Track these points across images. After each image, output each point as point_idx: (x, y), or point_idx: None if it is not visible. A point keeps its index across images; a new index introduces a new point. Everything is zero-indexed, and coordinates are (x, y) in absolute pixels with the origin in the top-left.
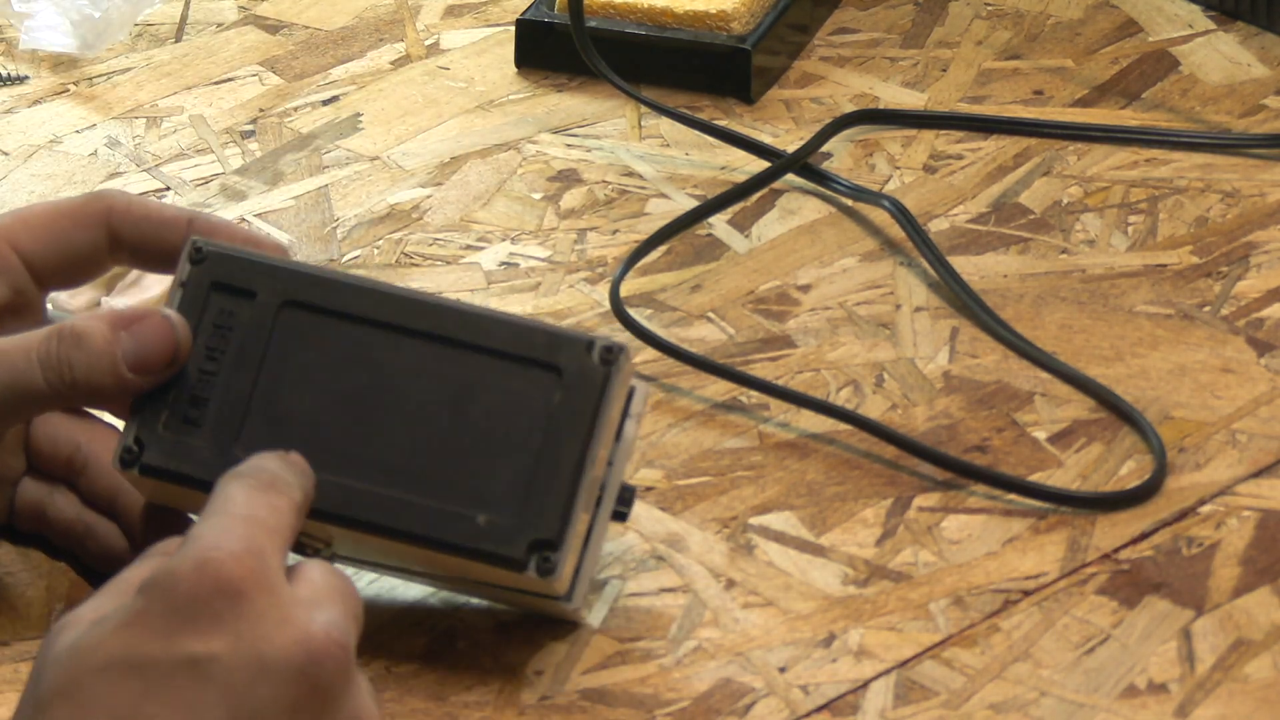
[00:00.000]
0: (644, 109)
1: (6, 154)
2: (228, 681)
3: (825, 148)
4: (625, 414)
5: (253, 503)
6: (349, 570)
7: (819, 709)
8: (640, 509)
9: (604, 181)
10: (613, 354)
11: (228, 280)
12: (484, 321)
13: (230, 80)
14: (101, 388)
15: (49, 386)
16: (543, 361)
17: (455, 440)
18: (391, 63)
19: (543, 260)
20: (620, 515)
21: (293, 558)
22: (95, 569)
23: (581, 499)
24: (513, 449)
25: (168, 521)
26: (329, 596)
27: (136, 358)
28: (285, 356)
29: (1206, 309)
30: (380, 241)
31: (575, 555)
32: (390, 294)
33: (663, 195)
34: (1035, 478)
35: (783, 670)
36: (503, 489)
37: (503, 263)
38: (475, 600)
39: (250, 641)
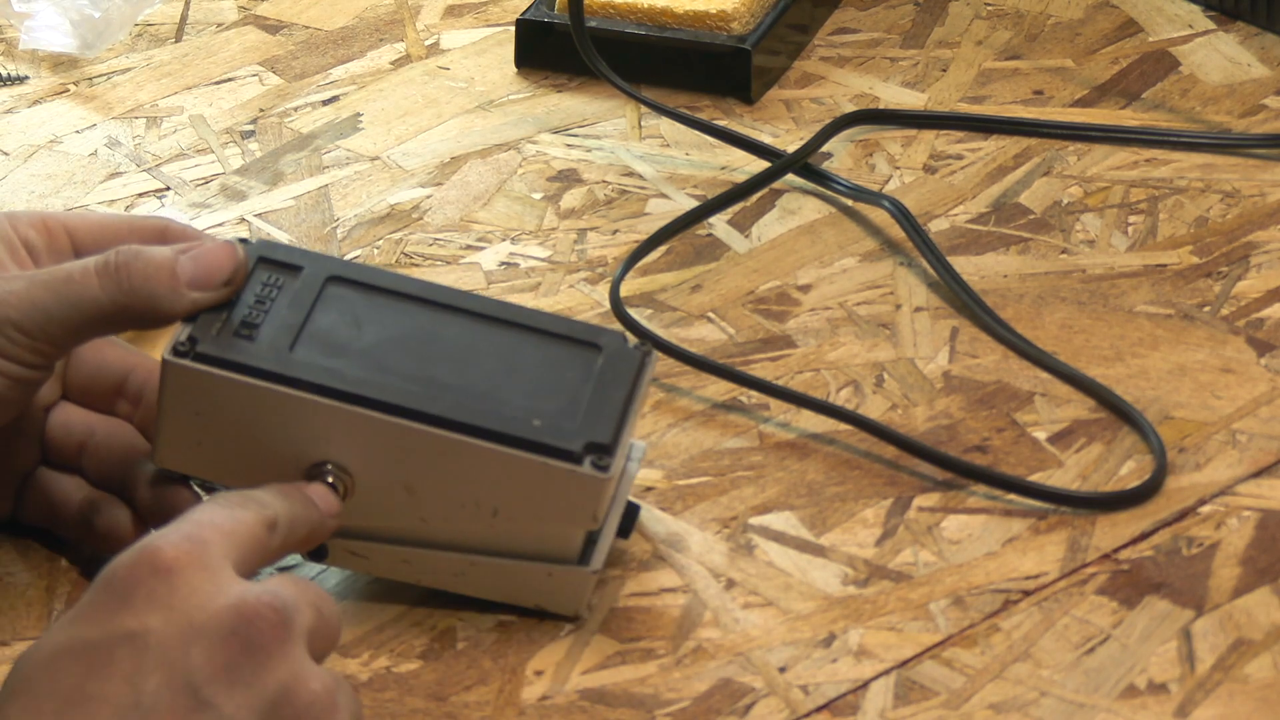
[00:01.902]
0: (644, 109)
1: (6, 154)
2: (162, 649)
3: (825, 148)
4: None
5: (213, 512)
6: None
7: (819, 709)
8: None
9: (604, 181)
10: (646, 347)
11: (274, 257)
12: (524, 310)
13: (230, 80)
14: (158, 299)
15: (105, 295)
16: (584, 340)
17: (507, 381)
18: (391, 63)
19: (543, 260)
20: (623, 531)
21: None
22: (101, 551)
23: (624, 443)
24: (561, 391)
25: (177, 496)
26: (284, 583)
27: (194, 273)
28: (334, 309)
29: (1206, 309)
30: (380, 241)
31: (611, 492)
32: (434, 285)
33: (663, 195)
34: (1035, 478)
35: (783, 670)
36: (556, 409)
37: (503, 263)
38: (475, 600)
39: (183, 611)
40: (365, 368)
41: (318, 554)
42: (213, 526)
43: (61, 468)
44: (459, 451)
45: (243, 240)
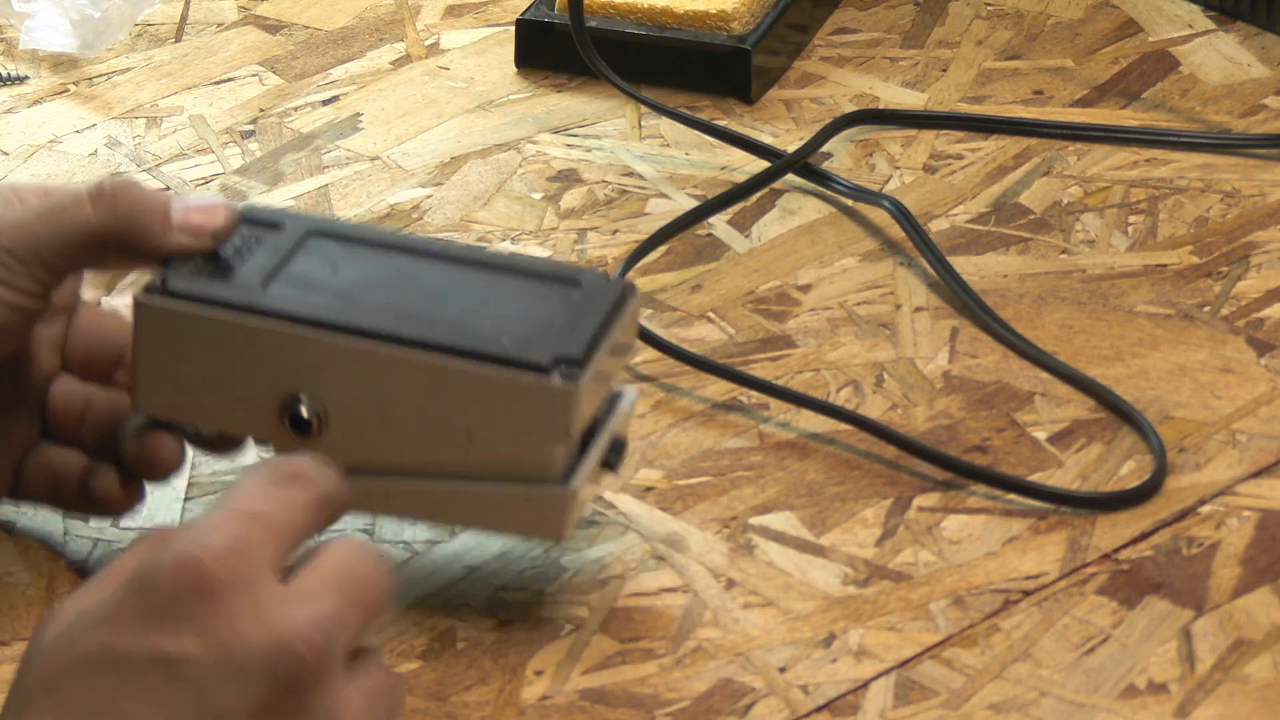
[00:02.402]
0: (644, 109)
1: (6, 154)
2: (198, 681)
3: (825, 148)
4: (613, 408)
5: (263, 497)
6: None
7: (819, 709)
8: (640, 509)
9: (604, 181)
10: (630, 285)
11: (257, 217)
12: (506, 255)
13: (230, 80)
14: (146, 230)
15: (97, 218)
16: (564, 278)
17: (481, 312)
18: (391, 63)
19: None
20: (610, 465)
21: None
22: (97, 515)
23: (598, 361)
24: (536, 319)
25: (161, 445)
26: (327, 588)
27: (185, 218)
28: (313, 256)
29: (1206, 309)
30: None
31: (588, 407)
32: (415, 236)
33: (663, 195)
34: (1035, 478)
35: (783, 670)
36: (527, 331)
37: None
38: (475, 600)
39: (221, 641)
40: (338, 301)
41: None
42: (261, 525)
43: (62, 440)
44: (428, 372)
45: (237, 208)
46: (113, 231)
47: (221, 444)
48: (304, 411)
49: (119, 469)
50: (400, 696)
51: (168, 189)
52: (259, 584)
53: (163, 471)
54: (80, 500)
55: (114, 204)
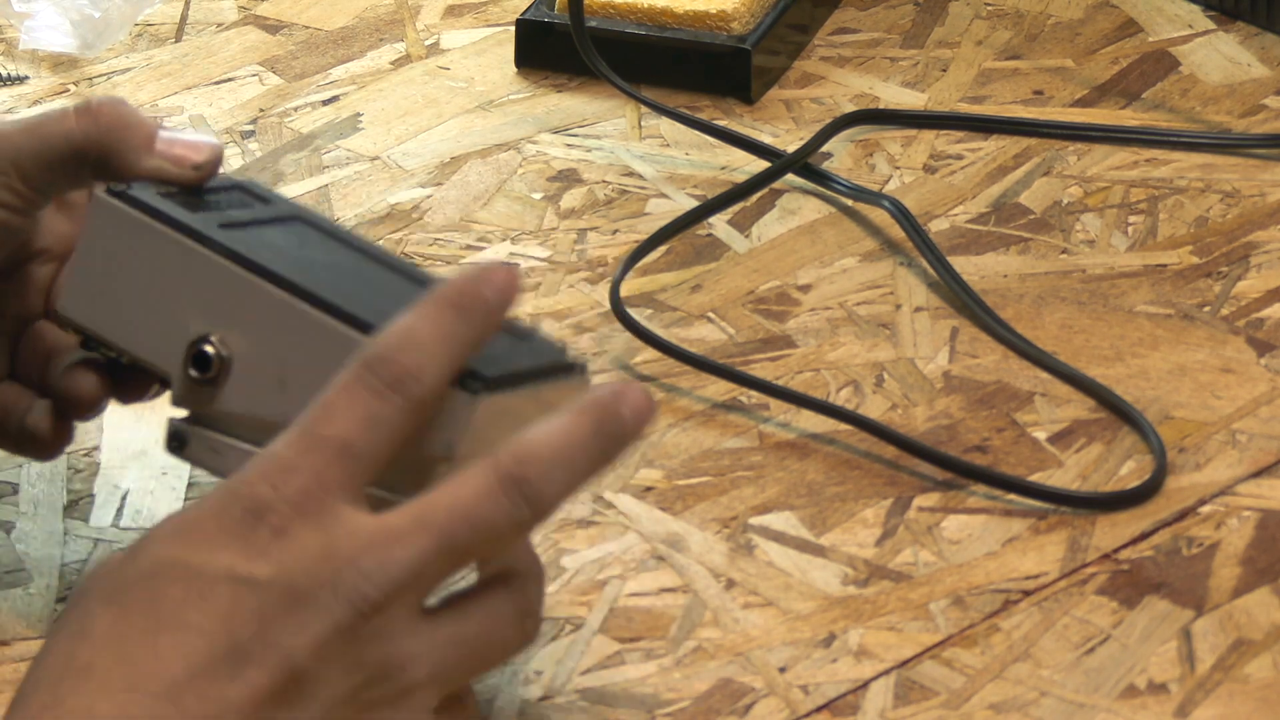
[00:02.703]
0: (644, 109)
1: None
2: (261, 605)
3: (825, 148)
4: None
5: (348, 416)
6: None
7: (819, 709)
8: (640, 509)
9: (604, 181)
10: (580, 363)
11: (253, 190)
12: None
13: (230, 80)
14: (127, 147)
15: (79, 130)
16: (516, 331)
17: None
18: (391, 63)
19: (543, 260)
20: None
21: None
22: (25, 454)
23: (513, 399)
24: None
25: (82, 381)
26: (414, 530)
27: (170, 145)
28: (284, 230)
29: (1206, 309)
30: (380, 241)
31: (485, 432)
32: (393, 254)
33: (663, 195)
34: (1035, 478)
35: (783, 670)
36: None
37: (503, 263)
38: None
39: (289, 570)
40: (282, 260)
41: (177, 442)
42: (344, 454)
43: (25, 384)
44: (340, 345)
45: (237, 179)
46: (94, 144)
47: (134, 386)
48: (209, 349)
49: (54, 409)
50: (498, 643)
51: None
52: (335, 521)
53: (84, 407)
54: (17, 437)
55: (97, 118)
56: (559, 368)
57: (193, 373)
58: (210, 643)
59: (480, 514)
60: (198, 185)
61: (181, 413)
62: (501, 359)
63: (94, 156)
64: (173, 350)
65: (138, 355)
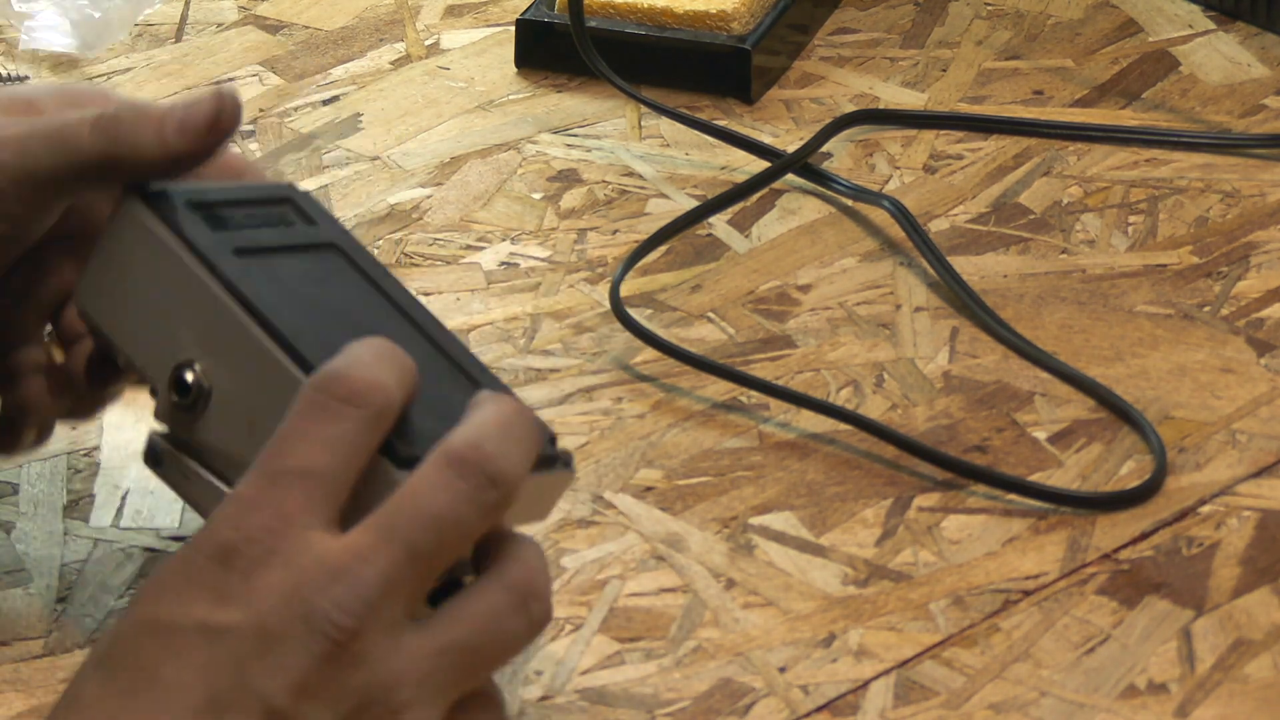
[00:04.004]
0: (644, 109)
1: None
2: (237, 652)
3: (825, 148)
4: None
5: (305, 443)
6: None
7: (819, 709)
8: (640, 509)
9: (604, 181)
10: (566, 456)
11: (302, 205)
12: (469, 356)
13: (230, 80)
14: (141, 145)
15: (93, 147)
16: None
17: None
18: (391, 63)
19: (543, 260)
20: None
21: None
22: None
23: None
24: (449, 418)
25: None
26: (380, 543)
27: (181, 117)
28: (312, 261)
29: (1206, 309)
30: (380, 241)
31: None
32: (415, 298)
33: (663, 195)
34: (1035, 478)
35: (783, 670)
36: (427, 421)
37: (503, 263)
38: None
39: (260, 613)
40: (284, 302)
41: (153, 458)
42: (303, 483)
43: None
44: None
45: (291, 185)
46: (109, 158)
47: (86, 407)
48: (189, 376)
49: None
50: (501, 638)
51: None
52: (300, 552)
53: (31, 416)
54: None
55: (111, 131)
56: (544, 461)
57: (173, 396)
58: (189, 697)
59: (442, 508)
60: (226, 135)
61: (164, 427)
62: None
63: (112, 168)
64: (163, 366)
65: (132, 360)
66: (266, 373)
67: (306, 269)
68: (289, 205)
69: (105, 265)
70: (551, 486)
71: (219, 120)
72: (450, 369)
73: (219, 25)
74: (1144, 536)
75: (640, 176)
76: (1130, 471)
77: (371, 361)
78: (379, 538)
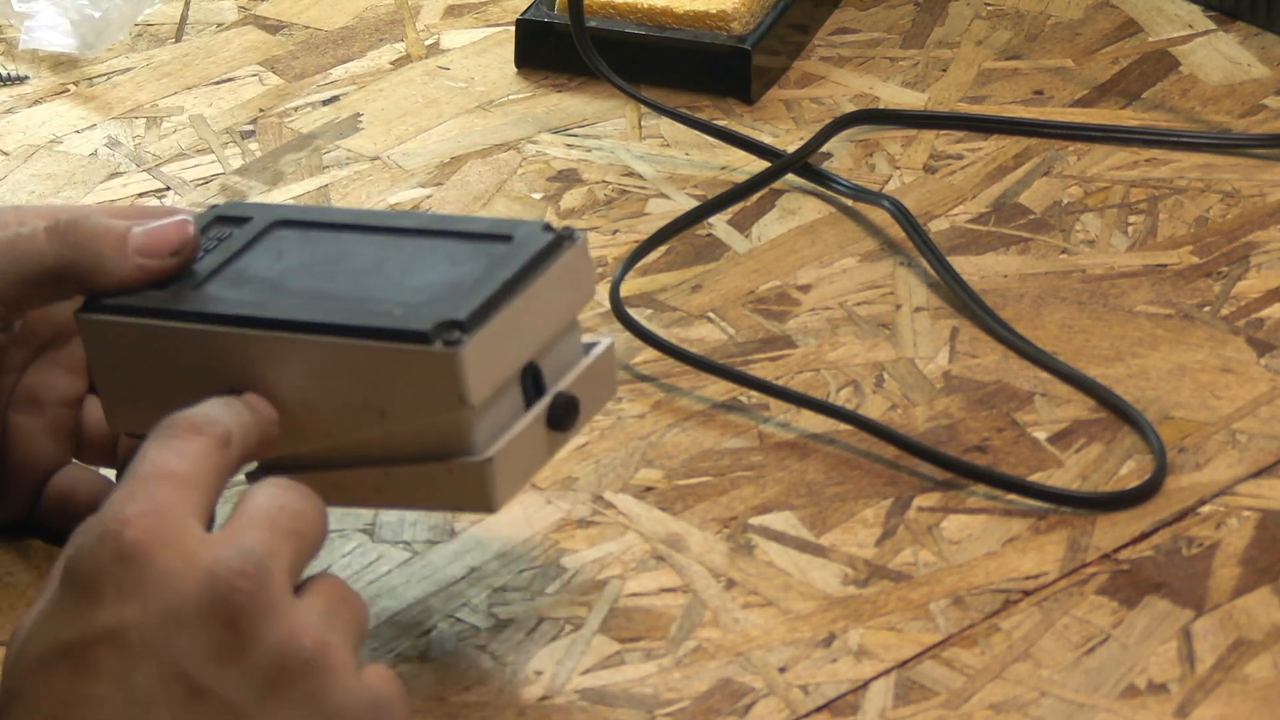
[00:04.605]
0: (644, 109)
1: (6, 154)
2: (146, 642)
3: (825, 148)
4: (572, 363)
5: (162, 455)
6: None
7: (819, 709)
8: (640, 509)
9: (604, 181)
10: (566, 233)
11: (229, 214)
12: (452, 218)
13: (230, 80)
14: (104, 259)
15: (51, 252)
16: (498, 235)
17: (400, 283)
18: (391, 63)
19: None
20: (557, 422)
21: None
22: None
23: (508, 314)
24: (448, 282)
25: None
26: (254, 525)
27: (143, 242)
28: (266, 248)
29: (1206, 309)
30: None
31: (490, 370)
32: (375, 211)
33: (663, 195)
34: (1035, 478)
35: (783, 670)
36: (429, 298)
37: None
38: (475, 600)
39: (158, 597)
40: (257, 293)
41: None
42: (168, 480)
43: (95, 463)
44: (324, 354)
45: (214, 207)
46: (68, 265)
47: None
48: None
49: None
50: (361, 607)
51: (167, 189)
52: (183, 536)
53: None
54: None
55: (67, 238)
56: (543, 255)
57: None
58: (112, 706)
59: (290, 500)
60: (185, 264)
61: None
62: (480, 284)
63: (73, 278)
64: None
65: None
66: (288, 358)
67: (265, 256)
68: (218, 223)
69: (108, 381)
70: (568, 268)
71: (181, 250)
72: (458, 241)
73: (219, 25)
74: (1144, 536)
75: (640, 176)
76: (1130, 471)
77: (207, 408)
78: (249, 521)
